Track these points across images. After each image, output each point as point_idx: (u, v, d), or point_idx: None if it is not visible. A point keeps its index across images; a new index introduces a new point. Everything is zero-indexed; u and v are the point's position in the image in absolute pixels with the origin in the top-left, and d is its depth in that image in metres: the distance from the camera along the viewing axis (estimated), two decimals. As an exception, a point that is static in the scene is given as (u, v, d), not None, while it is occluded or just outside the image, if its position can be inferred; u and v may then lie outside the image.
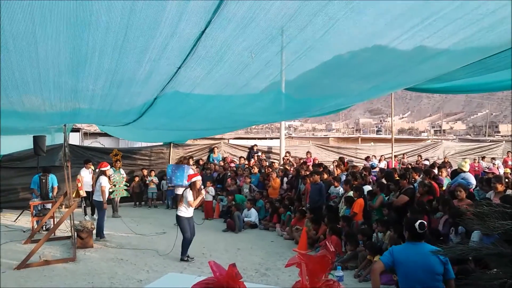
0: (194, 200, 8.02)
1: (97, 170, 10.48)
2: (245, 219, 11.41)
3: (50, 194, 10.63)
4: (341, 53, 4.56)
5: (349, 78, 5.62)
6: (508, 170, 14.36)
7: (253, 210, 11.66)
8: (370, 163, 15.40)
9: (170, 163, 16.07)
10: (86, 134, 20.39)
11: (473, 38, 3.98)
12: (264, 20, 3.73)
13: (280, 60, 4.80)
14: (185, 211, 8.08)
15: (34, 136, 10.86)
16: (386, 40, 4.09)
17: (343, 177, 10.76)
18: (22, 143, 11.97)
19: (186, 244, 8.16)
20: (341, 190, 9.98)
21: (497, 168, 15.18)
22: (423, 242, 4.19)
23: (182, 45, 4.26)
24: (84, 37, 3.93)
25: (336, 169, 12.20)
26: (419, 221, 4.15)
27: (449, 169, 12.08)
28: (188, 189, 8.14)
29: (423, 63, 4.86)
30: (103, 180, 9.69)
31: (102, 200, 9.57)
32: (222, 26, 3.82)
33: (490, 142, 26.28)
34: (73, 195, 10.47)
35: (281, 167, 14.41)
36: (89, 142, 19.88)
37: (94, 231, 9.24)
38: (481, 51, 4.51)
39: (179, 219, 8.12)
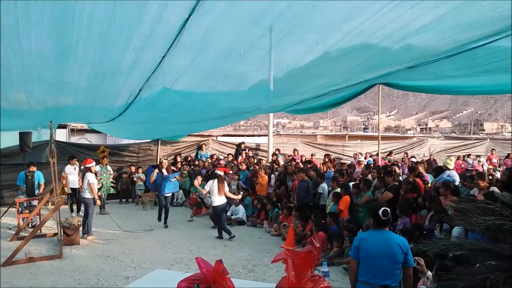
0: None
1: (82, 167, 10.41)
2: (233, 216, 11.45)
3: (36, 191, 10.54)
4: (325, 28, 4.55)
5: (334, 55, 5.60)
6: (491, 167, 14.62)
7: (240, 207, 11.70)
8: (367, 160, 15.54)
9: (158, 160, 16.03)
10: (73, 131, 20.19)
11: (455, 12, 3.98)
12: (248, 3, 3.74)
13: (265, 42, 4.78)
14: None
15: (20, 133, 10.75)
16: (369, 12, 4.07)
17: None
18: (8, 139, 11.83)
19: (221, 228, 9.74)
20: (324, 186, 10.09)
21: (482, 166, 15.39)
22: (387, 230, 4.32)
23: (166, 33, 4.24)
24: (68, 27, 3.88)
25: (323, 166, 12.27)
26: (382, 208, 4.26)
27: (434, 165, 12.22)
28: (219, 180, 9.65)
29: (408, 39, 4.85)
30: (90, 177, 9.62)
31: (92, 197, 9.52)
32: (207, 12, 3.80)
33: (474, 140, 26.61)
34: (59, 192, 10.38)
35: (268, 164, 14.46)
36: (76, 139, 19.69)
37: (81, 228, 9.19)
38: (464, 31, 4.53)
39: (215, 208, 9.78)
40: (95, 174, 11.79)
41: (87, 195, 9.53)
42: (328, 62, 5.86)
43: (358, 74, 6.99)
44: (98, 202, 9.77)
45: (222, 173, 9.92)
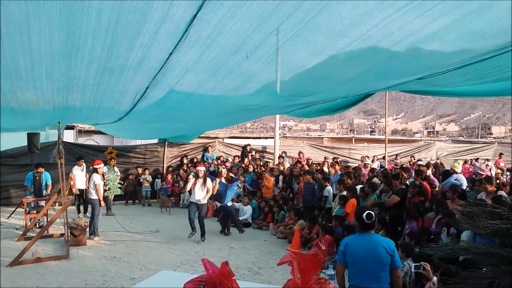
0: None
1: (90, 167, 10.48)
2: (241, 217, 11.47)
3: (44, 192, 10.60)
4: (332, 33, 4.54)
5: (341, 60, 5.60)
6: (499, 171, 14.53)
7: (249, 207, 11.75)
8: (380, 163, 15.55)
9: (165, 161, 16.09)
10: (81, 132, 20.32)
11: (464, 21, 3.96)
12: (257, 2, 3.74)
13: (272, 42, 4.78)
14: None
15: (28, 133, 10.82)
16: (377, 19, 4.06)
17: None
18: (16, 140, 11.93)
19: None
20: (329, 189, 10.08)
21: (490, 170, 15.30)
22: (372, 233, 4.33)
23: (174, 29, 4.25)
24: (77, 22, 3.89)
25: (331, 169, 12.26)
26: (367, 211, 4.27)
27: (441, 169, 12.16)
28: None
29: (415, 46, 4.82)
30: (96, 178, 9.68)
31: (97, 198, 9.57)
32: (214, 9, 3.81)
33: (482, 143, 26.45)
34: (66, 193, 10.43)
35: (275, 167, 14.47)
36: (83, 140, 19.82)
37: (88, 229, 9.23)
38: (471, 40, 4.51)
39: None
40: (103, 175, 11.88)
41: (93, 196, 9.59)
42: (334, 67, 5.86)
43: (366, 81, 6.98)
44: (103, 203, 9.81)
45: (203, 168, 10.11)
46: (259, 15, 4.00)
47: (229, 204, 10.55)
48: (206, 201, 9.84)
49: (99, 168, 9.91)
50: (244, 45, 4.85)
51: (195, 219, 9.65)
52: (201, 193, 9.62)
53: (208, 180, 9.80)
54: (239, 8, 3.82)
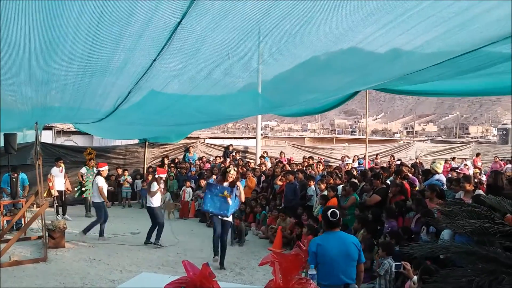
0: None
1: (95, 170, 10.40)
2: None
3: (21, 193, 10.40)
4: (317, 47, 4.58)
5: (325, 72, 5.64)
6: (477, 171, 14.81)
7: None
8: (358, 160, 15.66)
9: (145, 162, 15.93)
10: (59, 132, 19.99)
11: (445, 36, 4.05)
12: (241, 13, 3.72)
13: (257, 55, 4.79)
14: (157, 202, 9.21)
15: (5, 134, 10.58)
16: (361, 35, 4.11)
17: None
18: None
19: (161, 230, 9.19)
20: (313, 188, 10.09)
21: (467, 169, 15.56)
22: (338, 230, 4.47)
23: (158, 35, 4.20)
24: (57, 18, 3.77)
25: (316, 169, 12.33)
26: (331, 210, 4.41)
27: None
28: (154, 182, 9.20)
29: (397, 59, 4.93)
30: (100, 180, 9.63)
31: (100, 200, 9.55)
32: (198, 18, 3.78)
33: (460, 143, 26.92)
34: (45, 195, 10.23)
35: (258, 167, 14.46)
36: (62, 141, 19.49)
37: (66, 231, 9.06)
38: (453, 49, 4.60)
39: (153, 209, 9.15)
40: (81, 176, 11.74)
41: (96, 199, 9.60)
42: (318, 79, 5.91)
43: (349, 88, 7.07)
44: (108, 203, 9.91)
45: (160, 175, 9.41)
46: (243, 26, 3.98)
47: (222, 217, 7.68)
48: (154, 205, 9.17)
49: (103, 170, 9.87)
50: (227, 58, 4.83)
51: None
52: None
53: (153, 184, 9.19)
54: (224, 18, 3.79)
